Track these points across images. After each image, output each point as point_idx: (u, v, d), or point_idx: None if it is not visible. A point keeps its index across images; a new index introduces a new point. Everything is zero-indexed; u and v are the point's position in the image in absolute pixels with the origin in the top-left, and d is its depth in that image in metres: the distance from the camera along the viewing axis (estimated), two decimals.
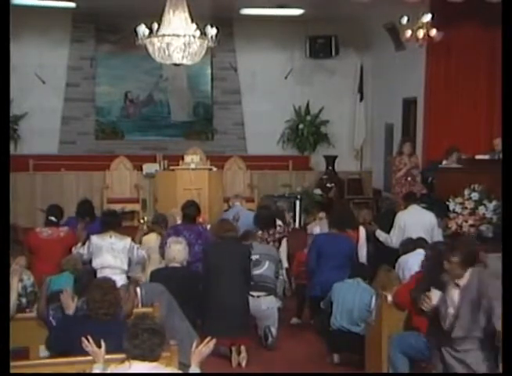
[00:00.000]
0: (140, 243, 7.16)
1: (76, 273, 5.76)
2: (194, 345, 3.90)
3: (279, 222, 7.79)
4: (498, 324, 3.99)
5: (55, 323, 4.73)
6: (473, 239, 4.51)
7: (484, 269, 4.52)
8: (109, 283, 4.60)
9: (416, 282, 5.41)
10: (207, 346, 3.89)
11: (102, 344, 3.86)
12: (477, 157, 9.20)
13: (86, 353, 3.93)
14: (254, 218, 7.71)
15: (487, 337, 4.12)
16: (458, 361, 4.22)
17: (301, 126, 13.30)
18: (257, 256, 6.61)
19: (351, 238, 7.28)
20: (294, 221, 11.32)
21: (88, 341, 3.88)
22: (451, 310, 4.21)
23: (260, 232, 7.40)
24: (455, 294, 4.22)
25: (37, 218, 10.42)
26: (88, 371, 3.90)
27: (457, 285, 4.20)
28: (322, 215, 8.40)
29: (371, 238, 7.79)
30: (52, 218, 7.33)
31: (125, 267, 6.53)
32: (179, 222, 7.60)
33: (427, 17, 9.10)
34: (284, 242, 7.66)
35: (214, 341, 3.91)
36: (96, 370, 3.80)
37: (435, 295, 4.33)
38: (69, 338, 4.24)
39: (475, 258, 4.27)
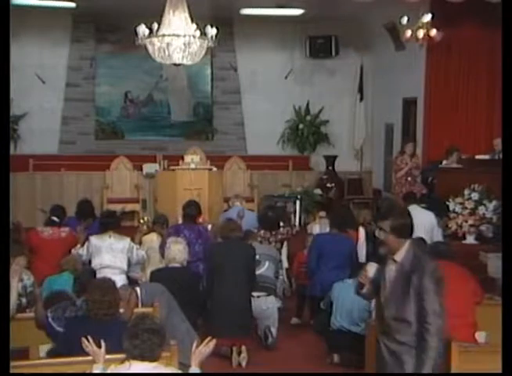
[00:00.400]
0: (140, 243, 7.17)
1: (75, 273, 5.77)
2: (194, 345, 3.90)
3: (282, 224, 7.81)
4: (429, 308, 3.73)
5: (55, 325, 4.72)
6: (406, 211, 4.15)
7: (422, 244, 4.10)
8: (109, 283, 4.60)
9: None
10: (207, 346, 3.89)
11: (102, 344, 3.86)
12: (477, 157, 9.21)
13: (87, 354, 3.93)
14: (259, 218, 7.73)
15: (419, 332, 3.79)
16: (391, 354, 3.96)
17: (300, 126, 13.29)
18: (257, 256, 6.60)
19: (351, 238, 7.29)
20: (294, 221, 11.32)
21: (88, 341, 3.88)
22: (386, 287, 3.96)
23: (262, 231, 7.41)
24: (391, 270, 3.94)
25: (37, 218, 10.43)
26: (88, 371, 3.90)
27: (394, 260, 3.92)
28: (322, 214, 8.42)
29: (371, 238, 7.79)
30: (55, 219, 7.35)
31: (125, 267, 6.54)
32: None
33: (427, 17, 9.10)
34: (286, 243, 7.67)
35: (214, 341, 3.91)
36: (96, 371, 3.80)
37: (371, 268, 4.20)
38: (70, 339, 4.25)
39: (412, 229, 3.94)
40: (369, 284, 4.16)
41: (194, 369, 3.85)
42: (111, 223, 6.71)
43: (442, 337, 3.77)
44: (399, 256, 3.89)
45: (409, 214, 4.00)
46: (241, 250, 6.37)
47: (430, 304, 3.73)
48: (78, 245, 6.93)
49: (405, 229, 3.89)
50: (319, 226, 8.06)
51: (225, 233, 6.53)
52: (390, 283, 3.91)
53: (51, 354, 4.67)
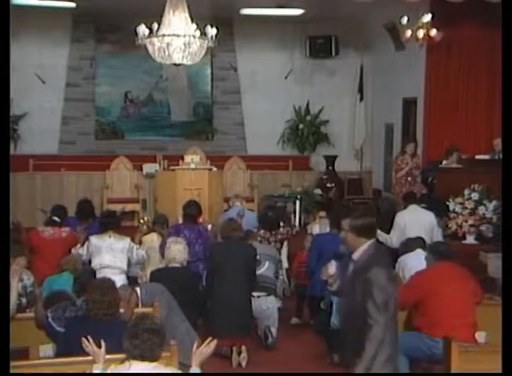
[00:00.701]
0: (140, 243, 7.17)
1: (75, 273, 5.77)
2: (195, 345, 3.90)
3: (282, 224, 7.81)
4: (371, 314, 3.75)
5: (55, 325, 4.72)
6: (372, 209, 4.27)
7: (380, 245, 4.05)
8: (109, 283, 4.60)
9: (414, 282, 5.41)
10: (209, 347, 3.89)
11: (103, 344, 3.86)
12: (477, 157, 9.21)
13: (87, 354, 3.93)
14: (259, 218, 7.73)
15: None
16: None
17: (300, 126, 13.29)
18: (257, 256, 6.60)
19: None
20: (295, 221, 11.31)
21: (88, 341, 3.88)
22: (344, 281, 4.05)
23: (262, 231, 7.41)
24: (350, 268, 4.00)
25: (37, 218, 10.43)
26: (88, 371, 3.90)
27: (352, 259, 4.00)
28: (322, 214, 8.42)
29: None
30: (56, 219, 7.35)
31: (125, 267, 6.54)
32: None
33: (427, 17, 9.10)
34: (286, 243, 7.67)
35: (215, 341, 3.91)
36: (96, 371, 3.80)
37: (332, 266, 4.29)
38: (71, 339, 4.25)
39: (374, 229, 4.01)
40: (336, 281, 4.21)
41: (195, 369, 3.85)
42: (111, 223, 6.72)
43: (383, 337, 3.77)
44: (357, 255, 3.96)
45: (372, 215, 4.13)
46: (242, 250, 6.37)
47: (375, 299, 3.76)
48: (78, 245, 6.94)
49: (365, 229, 3.95)
50: (319, 226, 8.06)
51: (225, 233, 6.53)
52: (345, 280, 4.01)
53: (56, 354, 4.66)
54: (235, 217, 7.53)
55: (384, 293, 3.80)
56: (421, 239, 6.77)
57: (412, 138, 11.02)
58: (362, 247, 3.95)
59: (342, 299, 4.01)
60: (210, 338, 3.93)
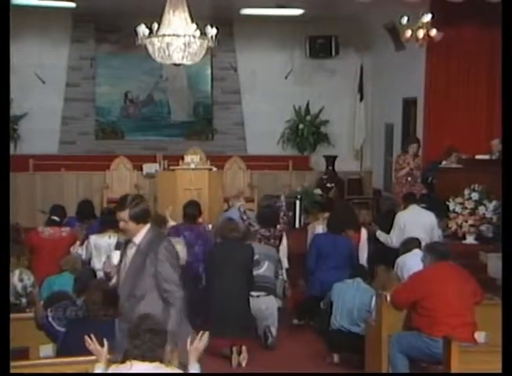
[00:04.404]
0: None
1: (75, 273, 5.77)
2: (188, 342, 3.90)
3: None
4: (166, 278, 4.14)
5: (55, 325, 4.72)
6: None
7: (159, 229, 4.50)
8: (109, 283, 4.60)
9: (412, 282, 5.41)
10: (202, 341, 3.90)
11: (105, 343, 3.85)
12: (477, 157, 9.22)
13: (87, 354, 3.93)
14: (257, 217, 7.75)
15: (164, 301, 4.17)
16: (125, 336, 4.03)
17: (300, 126, 13.29)
18: (256, 256, 6.60)
19: (349, 239, 7.29)
20: (294, 221, 11.30)
21: (91, 339, 3.88)
22: (124, 269, 4.29)
23: (263, 230, 7.41)
24: (131, 252, 4.29)
25: (37, 218, 10.42)
26: (90, 371, 3.90)
27: (134, 243, 4.28)
28: (326, 215, 8.36)
29: (371, 239, 7.79)
30: (55, 218, 7.35)
31: None
32: (171, 222, 7.57)
33: (427, 17, 9.10)
34: (284, 241, 7.65)
35: (207, 334, 3.93)
36: (98, 370, 3.80)
37: (115, 255, 4.47)
38: (71, 338, 4.25)
39: (148, 213, 4.35)
40: (116, 273, 4.46)
41: (194, 365, 3.85)
42: (112, 221, 6.69)
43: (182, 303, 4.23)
44: (138, 238, 4.29)
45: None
46: (240, 250, 6.37)
47: (166, 275, 4.17)
48: (78, 242, 6.92)
49: (142, 215, 4.28)
50: (323, 227, 8.02)
51: (223, 233, 6.54)
52: (129, 263, 4.27)
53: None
54: (235, 217, 7.54)
55: (174, 265, 4.24)
56: (417, 239, 6.80)
57: (415, 138, 11.00)
58: (142, 231, 4.29)
59: (124, 281, 4.29)
60: (201, 332, 3.95)
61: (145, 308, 4.10)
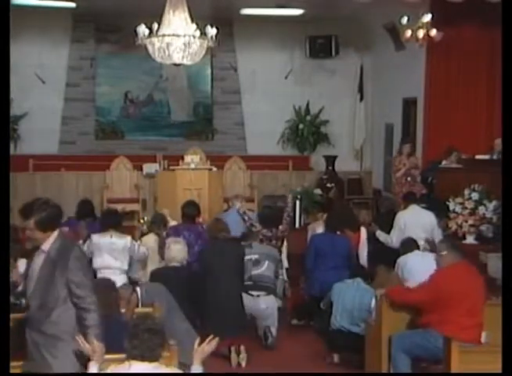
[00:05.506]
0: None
1: None
2: (196, 343, 3.91)
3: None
4: (78, 285, 3.97)
5: None
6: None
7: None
8: (109, 283, 4.60)
9: (434, 281, 5.31)
10: (210, 345, 3.90)
11: (96, 341, 3.85)
12: (477, 157, 9.21)
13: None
14: (259, 217, 7.76)
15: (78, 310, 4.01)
16: (35, 346, 4.02)
17: (300, 126, 13.28)
18: (256, 256, 6.61)
19: (348, 238, 7.29)
20: (294, 221, 11.30)
21: (86, 339, 3.87)
22: (33, 277, 4.07)
23: (264, 230, 7.41)
24: (39, 260, 4.07)
25: None
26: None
27: (42, 250, 4.06)
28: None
29: (371, 239, 7.80)
30: None
31: (125, 267, 6.54)
32: (172, 222, 7.58)
33: (427, 17, 9.10)
34: (286, 243, 7.67)
35: (216, 339, 3.92)
36: (92, 369, 3.79)
37: (22, 263, 4.33)
38: None
39: (57, 218, 4.13)
40: (22, 282, 4.31)
41: (196, 367, 3.85)
42: (113, 221, 6.71)
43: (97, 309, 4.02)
44: (46, 246, 4.04)
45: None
46: (230, 250, 6.37)
47: (79, 282, 3.98)
48: (80, 241, 6.92)
49: (49, 222, 4.03)
50: (323, 227, 8.01)
51: (213, 234, 6.55)
52: (38, 272, 4.05)
53: None
54: (235, 217, 7.54)
55: (85, 273, 4.09)
56: (414, 240, 6.81)
57: (408, 138, 11.02)
58: (51, 238, 4.04)
59: (34, 291, 4.06)
60: (211, 336, 3.94)
61: (58, 317, 3.99)
